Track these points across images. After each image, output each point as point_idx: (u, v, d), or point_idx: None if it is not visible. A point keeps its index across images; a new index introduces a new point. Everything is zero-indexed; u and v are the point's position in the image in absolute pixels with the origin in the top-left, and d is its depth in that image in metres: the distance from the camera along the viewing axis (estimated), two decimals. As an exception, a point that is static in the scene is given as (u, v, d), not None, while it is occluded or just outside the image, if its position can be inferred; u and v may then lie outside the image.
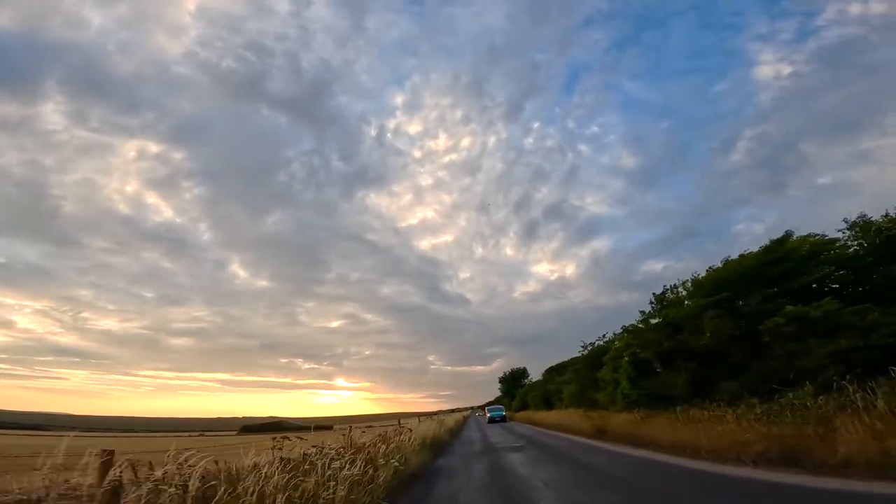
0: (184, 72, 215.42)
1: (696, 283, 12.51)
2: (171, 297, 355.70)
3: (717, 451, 8.38)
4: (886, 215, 10.04)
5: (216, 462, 4.62)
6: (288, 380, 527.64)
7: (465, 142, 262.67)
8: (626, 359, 15.25)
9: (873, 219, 10.17)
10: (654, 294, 14.82)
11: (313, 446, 6.75)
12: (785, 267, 10.90)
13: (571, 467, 8.96)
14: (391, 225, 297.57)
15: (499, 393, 78.24)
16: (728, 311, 11.35)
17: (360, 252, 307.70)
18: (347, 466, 5.87)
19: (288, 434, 7.04)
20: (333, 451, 6.70)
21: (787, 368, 9.33)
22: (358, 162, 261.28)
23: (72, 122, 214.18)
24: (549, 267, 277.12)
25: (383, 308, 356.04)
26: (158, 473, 3.89)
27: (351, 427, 10.55)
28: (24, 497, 3.31)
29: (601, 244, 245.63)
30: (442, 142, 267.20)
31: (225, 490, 4.03)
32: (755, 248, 11.82)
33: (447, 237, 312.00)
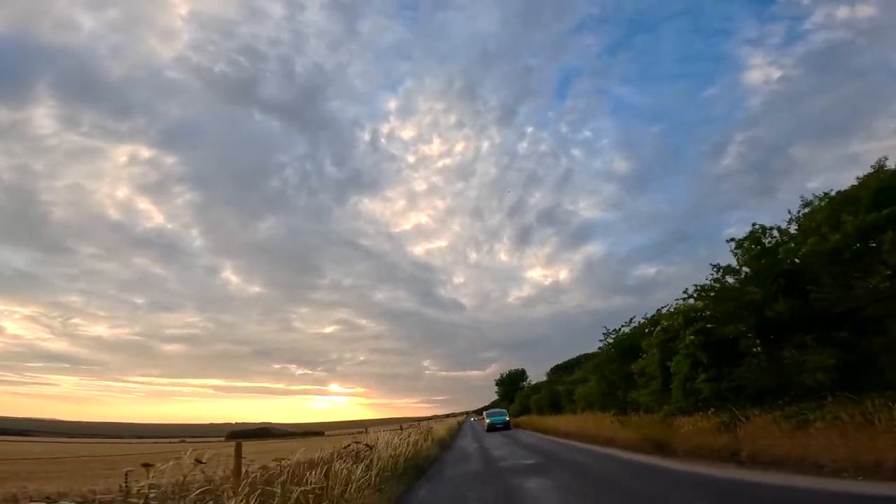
0: (176, 76, 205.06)
1: (846, 196, 7.65)
2: (163, 304, 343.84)
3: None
4: None
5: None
6: (281, 385, 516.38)
7: (459, 146, 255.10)
8: (692, 338, 10.52)
9: None
10: (734, 239, 9.99)
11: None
12: None
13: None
14: (385, 230, 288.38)
15: (495, 397, 74.15)
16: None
17: (354, 257, 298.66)
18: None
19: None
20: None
21: None
22: (351, 167, 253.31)
23: (62, 127, 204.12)
24: (543, 272, 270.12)
25: (377, 313, 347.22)
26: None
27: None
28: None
29: (594, 249, 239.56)
30: (436, 147, 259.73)
31: None
32: None
33: (441, 242, 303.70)
